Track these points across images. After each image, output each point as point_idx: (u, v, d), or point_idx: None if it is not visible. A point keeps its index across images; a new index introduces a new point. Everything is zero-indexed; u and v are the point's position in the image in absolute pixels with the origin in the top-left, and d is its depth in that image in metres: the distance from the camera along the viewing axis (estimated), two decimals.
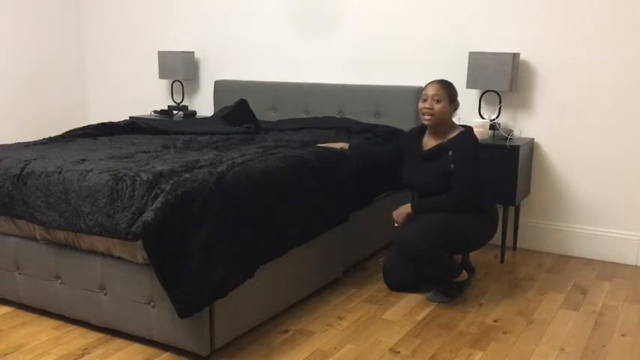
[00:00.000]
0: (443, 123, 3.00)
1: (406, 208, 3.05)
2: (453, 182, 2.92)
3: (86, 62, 5.52)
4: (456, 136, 2.98)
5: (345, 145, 3.32)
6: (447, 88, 3.00)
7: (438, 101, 2.96)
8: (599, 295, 3.21)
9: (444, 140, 2.99)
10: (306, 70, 4.49)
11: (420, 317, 2.90)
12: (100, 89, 5.51)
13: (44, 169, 2.71)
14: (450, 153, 2.93)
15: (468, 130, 3.04)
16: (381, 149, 3.40)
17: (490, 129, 3.72)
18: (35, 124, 4.95)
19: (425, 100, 2.99)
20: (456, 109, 3.06)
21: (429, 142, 3.06)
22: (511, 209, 3.76)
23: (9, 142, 3.39)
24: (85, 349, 2.57)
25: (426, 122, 3.02)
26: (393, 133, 3.76)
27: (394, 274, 3.18)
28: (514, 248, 3.92)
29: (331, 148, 3.25)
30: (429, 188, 3.00)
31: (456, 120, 3.41)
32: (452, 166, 2.91)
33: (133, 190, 2.44)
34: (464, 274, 3.14)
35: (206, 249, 2.32)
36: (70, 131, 3.73)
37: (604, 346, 2.65)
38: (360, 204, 3.34)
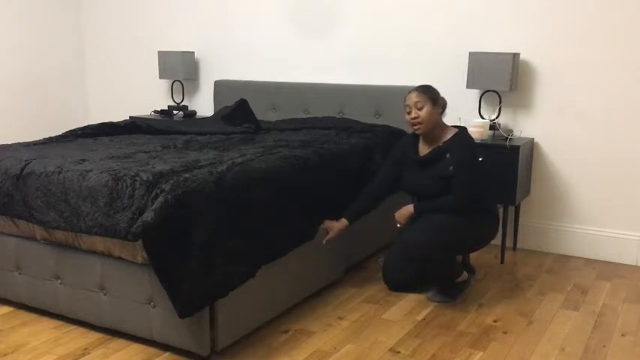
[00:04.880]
0: (434, 127, 2.97)
1: (408, 209, 3.03)
2: (454, 184, 2.91)
3: (86, 62, 5.52)
4: (452, 137, 2.97)
5: (342, 225, 3.05)
6: (425, 92, 2.95)
7: (420, 108, 2.92)
8: (599, 295, 3.21)
9: (440, 143, 2.98)
10: (306, 70, 4.49)
11: (420, 317, 2.90)
12: (100, 89, 5.51)
13: (44, 169, 2.71)
14: (448, 155, 2.93)
15: (462, 130, 3.03)
16: (376, 189, 3.17)
17: (490, 129, 3.72)
18: (35, 124, 4.96)
19: (409, 112, 2.96)
20: (443, 108, 3.01)
21: (425, 147, 3.05)
22: (511, 209, 3.76)
23: (9, 142, 3.39)
24: (85, 349, 2.57)
25: (417, 132, 2.99)
26: (393, 133, 3.75)
27: (394, 273, 3.18)
28: (514, 248, 3.92)
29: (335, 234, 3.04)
30: (430, 193, 2.98)
31: (456, 120, 3.41)
32: (451, 168, 2.90)
33: (133, 190, 2.44)
34: (464, 275, 3.14)
35: (206, 249, 2.32)
36: (70, 131, 3.73)
37: (604, 346, 2.65)
38: None
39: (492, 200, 3.19)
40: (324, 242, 3.01)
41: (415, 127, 2.96)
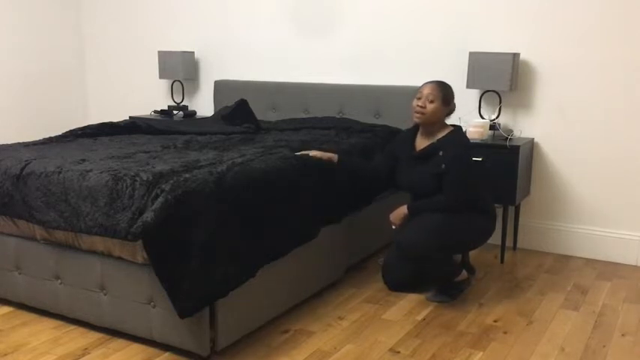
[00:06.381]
0: (434, 123, 2.98)
1: (403, 210, 3.04)
2: (446, 182, 2.91)
3: (86, 62, 5.52)
4: (446, 135, 2.98)
5: (334, 157, 3.11)
6: (442, 90, 2.97)
7: (431, 101, 2.93)
8: (599, 295, 3.21)
9: (435, 140, 2.99)
10: (306, 70, 4.49)
11: (420, 317, 2.90)
12: (100, 89, 5.51)
13: (44, 169, 2.71)
14: (441, 153, 2.93)
15: (457, 129, 3.03)
16: (372, 165, 3.24)
17: (490, 129, 3.72)
18: (35, 124, 4.95)
19: (419, 99, 2.97)
20: (450, 112, 3.03)
21: (421, 142, 3.06)
22: (511, 209, 3.76)
23: (9, 142, 3.39)
24: (85, 349, 2.57)
25: (416, 120, 3.00)
26: (392, 133, 3.75)
27: (393, 273, 3.17)
28: (514, 248, 3.92)
29: (318, 159, 3.06)
30: (423, 189, 2.99)
31: (456, 120, 3.42)
32: (443, 166, 2.90)
33: (133, 190, 2.44)
34: (464, 274, 3.14)
35: (206, 249, 2.32)
36: (70, 131, 3.73)
37: (604, 346, 2.65)
38: (361, 203, 3.34)
39: (491, 199, 3.19)
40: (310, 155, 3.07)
41: (417, 115, 2.97)
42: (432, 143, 2.98)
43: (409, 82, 4.05)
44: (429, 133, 3.02)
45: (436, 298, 3.08)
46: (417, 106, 2.96)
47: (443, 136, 2.97)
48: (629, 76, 3.53)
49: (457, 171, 2.90)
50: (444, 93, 2.97)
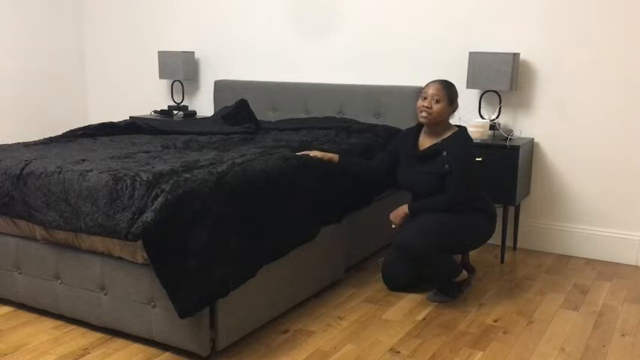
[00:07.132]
0: (439, 123, 2.99)
1: (403, 210, 3.05)
2: (448, 182, 2.92)
3: (86, 62, 5.52)
4: (450, 136, 2.98)
5: (334, 157, 3.13)
6: (447, 89, 2.98)
7: (437, 101, 2.94)
8: (599, 295, 3.21)
9: (439, 140, 2.99)
10: (306, 70, 4.49)
11: (420, 317, 2.90)
12: (100, 89, 5.51)
13: (44, 169, 2.71)
14: (445, 153, 2.93)
15: (462, 129, 3.04)
16: (373, 164, 3.24)
17: (490, 129, 3.72)
18: (35, 124, 4.96)
19: (425, 99, 2.97)
20: (454, 110, 3.04)
21: (424, 142, 3.06)
22: (511, 209, 3.76)
23: (9, 142, 3.39)
24: (85, 349, 2.57)
25: (422, 120, 3.01)
26: (393, 133, 3.75)
27: (393, 273, 3.18)
28: (514, 248, 3.92)
29: (319, 159, 3.06)
30: (425, 189, 3.00)
31: (456, 120, 3.42)
32: (446, 166, 2.90)
33: (133, 190, 2.44)
34: (464, 274, 3.14)
35: (206, 249, 2.32)
36: (70, 131, 3.73)
37: (604, 346, 2.65)
38: (361, 203, 3.34)
39: (491, 199, 3.19)
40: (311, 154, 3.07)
41: (422, 115, 2.98)
42: (436, 143, 2.98)
43: (409, 82, 4.06)
44: (434, 133, 3.02)
45: (436, 298, 3.08)
46: (423, 106, 2.96)
47: (447, 137, 2.97)
48: (629, 76, 3.53)
49: (460, 171, 2.91)
50: (449, 93, 2.98)
